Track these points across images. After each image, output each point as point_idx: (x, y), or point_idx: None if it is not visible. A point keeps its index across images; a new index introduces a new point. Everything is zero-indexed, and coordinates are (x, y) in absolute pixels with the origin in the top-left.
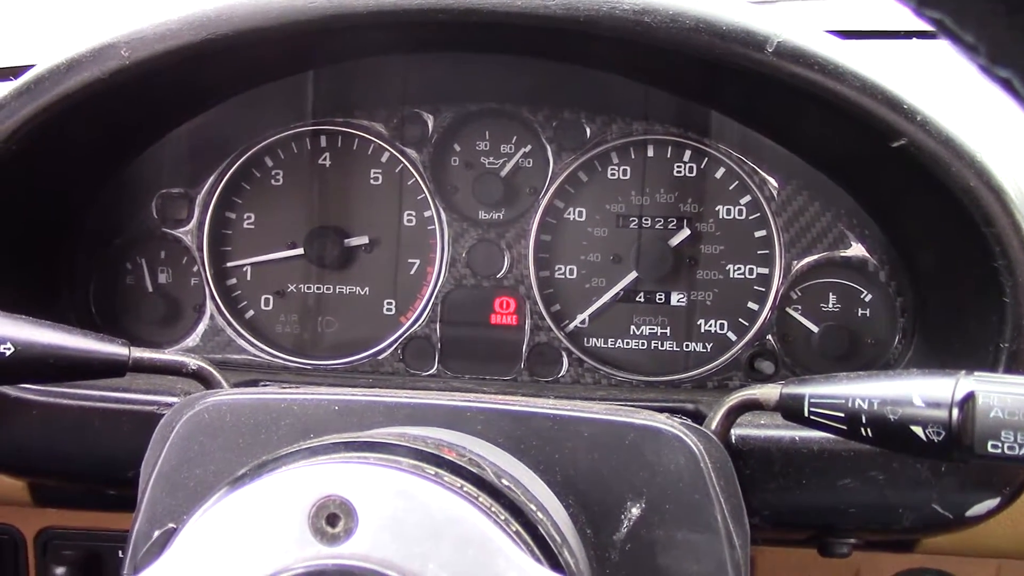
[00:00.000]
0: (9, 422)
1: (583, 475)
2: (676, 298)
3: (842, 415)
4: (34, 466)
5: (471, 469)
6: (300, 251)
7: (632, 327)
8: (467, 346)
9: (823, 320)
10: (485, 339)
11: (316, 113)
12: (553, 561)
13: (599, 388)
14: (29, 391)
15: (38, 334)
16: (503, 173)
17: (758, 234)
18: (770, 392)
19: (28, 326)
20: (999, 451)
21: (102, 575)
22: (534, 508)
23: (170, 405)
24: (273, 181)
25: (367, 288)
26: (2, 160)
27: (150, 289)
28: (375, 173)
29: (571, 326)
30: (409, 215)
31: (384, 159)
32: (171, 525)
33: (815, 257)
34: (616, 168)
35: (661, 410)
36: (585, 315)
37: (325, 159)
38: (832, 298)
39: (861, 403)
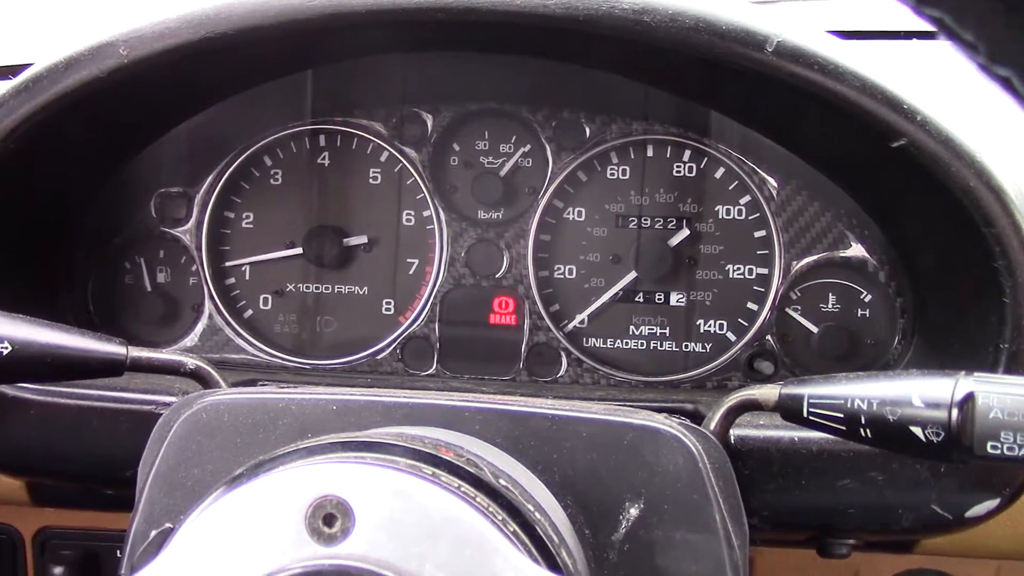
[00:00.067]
0: (7, 421)
1: (581, 475)
2: (675, 298)
3: (841, 415)
4: (32, 465)
5: (469, 469)
6: (299, 251)
7: (631, 327)
8: (466, 346)
9: (822, 320)
10: (484, 339)
11: (315, 112)
12: (551, 561)
13: (598, 388)
14: (27, 390)
15: (36, 333)
16: (502, 173)
17: (757, 234)
18: (769, 392)
19: (26, 325)
20: (999, 452)
21: (100, 575)
22: (532, 508)
23: (168, 405)
24: (272, 180)
25: (366, 288)
26: (0, 159)
27: (148, 288)
28: (374, 172)
29: (570, 326)
30: (408, 215)
31: (383, 158)
32: (168, 525)
33: (815, 257)
34: (615, 168)
35: (660, 410)
36: (584, 315)
37: (324, 158)
38: (831, 298)
39: (860, 403)
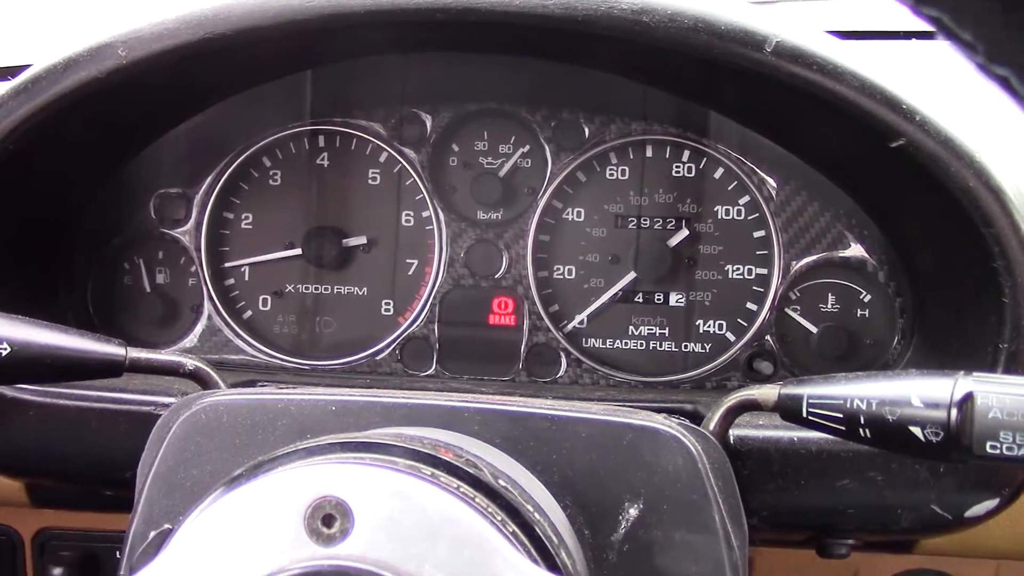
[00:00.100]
0: (6, 422)
1: (581, 475)
2: (675, 298)
3: (840, 416)
4: (31, 466)
5: (468, 470)
6: (298, 251)
7: (631, 327)
8: (465, 346)
9: (822, 320)
10: (483, 339)
11: (314, 113)
12: (550, 562)
13: (597, 388)
14: (26, 391)
15: (35, 334)
16: (501, 173)
17: (757, 234)
18: (768, 392)
19: (25, 326)
20: (998, 452)
21: None
22: (531, 509)
23: (167, 405)
24: (271, 181)
25: (365, 288)
26: None
27: (148, 289)
28: (373, 173)
29: (569, 326)
30: (407, 215)
31: (382, 159)
32: (167, 526)
33: (814, 257)
34: (615, 168)
35: (659, 410)
36: (583, 315)
37: (323, 159)
38: (831, 298)
39: (860, 403)
